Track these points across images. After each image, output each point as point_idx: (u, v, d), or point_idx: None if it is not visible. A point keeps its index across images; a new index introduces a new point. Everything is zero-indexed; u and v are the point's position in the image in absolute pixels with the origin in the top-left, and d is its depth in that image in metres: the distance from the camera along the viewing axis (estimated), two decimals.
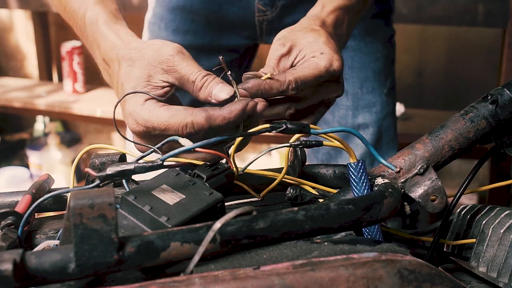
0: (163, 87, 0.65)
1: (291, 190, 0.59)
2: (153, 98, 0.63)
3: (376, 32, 1.18)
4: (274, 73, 0.68)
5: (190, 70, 0.64)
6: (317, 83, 0.69)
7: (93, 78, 2.54)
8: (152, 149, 0.58)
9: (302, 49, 0.71)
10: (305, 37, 0.73)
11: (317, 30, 0.75)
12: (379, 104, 1.18)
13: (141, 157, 0.56)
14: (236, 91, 0.62)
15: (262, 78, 0.66)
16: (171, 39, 1.13)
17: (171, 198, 0.48)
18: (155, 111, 0.63)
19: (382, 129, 1.18)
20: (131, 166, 0.49)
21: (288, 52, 0.72)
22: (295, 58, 0.72)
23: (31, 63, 2.90)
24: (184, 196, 0.49)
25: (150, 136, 0.64)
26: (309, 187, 0.64)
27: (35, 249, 0.50)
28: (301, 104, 0.70)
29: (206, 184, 0.52)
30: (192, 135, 0.61)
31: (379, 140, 1.18)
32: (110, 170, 0.48)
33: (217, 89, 0.63)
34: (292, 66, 0.71)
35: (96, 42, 0.73)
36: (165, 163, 0.50)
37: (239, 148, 0.63)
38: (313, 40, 0.72)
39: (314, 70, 0.68)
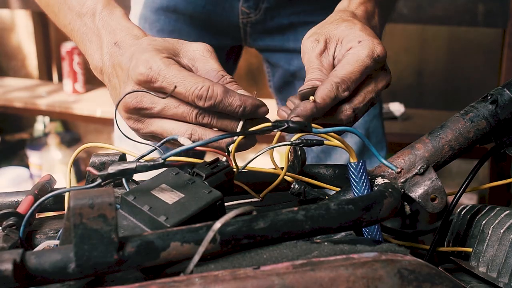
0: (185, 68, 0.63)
1: (296, 186, 0.59)
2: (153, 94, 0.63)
3: None
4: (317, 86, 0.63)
5: (220, 68, 0.64)
6: (365, 76, 0.65)
7: (93, 78, 2.54)
8: (153, 148, 0.58)
9: (339, 40, 0.67)
10: (338, 27, 0.68)
11: (349, 19, 0.70)
12: None
13: (142, 156, 0.56)
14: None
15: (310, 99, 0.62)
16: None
17: (170, 197, 0.49)
18: (176, 66, 0.61)
19: (369, 131, 1.18)
20: (133, 165, 0.49)
21: (326, 48, 0.68)
22: (334, 52, 0.67)
23: (31, 63, 2.90)
24: (183, 195, 0.49)
25: (150, 88, 0.61)
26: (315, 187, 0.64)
27: (35, 249, 0.50)
28: (355, 102, 0.65)
29: (205, 182, 0.52)
30: (199, 101, 0.59)
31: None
32: (111, 169, 0.48)
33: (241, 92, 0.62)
34: (334, 61, 0.67)
35: (110, 30, 0.70)
36: (166, 162, 0.50)
37: (244, 148, 0.62)
38: (348, 29, 0.67)
39: (358, 62, 0.64)
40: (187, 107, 0.61)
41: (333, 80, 0.62)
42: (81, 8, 0.73)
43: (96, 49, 0.71)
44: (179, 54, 0.65)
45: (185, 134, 0.62)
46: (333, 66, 0.67)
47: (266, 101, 0.65)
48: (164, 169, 0.52)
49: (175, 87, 0.60)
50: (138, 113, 0.64)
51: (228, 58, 1.23)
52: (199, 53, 0.65)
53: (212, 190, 0.50)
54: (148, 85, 0.61)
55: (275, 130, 0.54)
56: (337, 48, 0.67)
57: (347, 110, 0.64)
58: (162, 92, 0.61)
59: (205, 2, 1.12)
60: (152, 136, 0.66)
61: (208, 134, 0.62)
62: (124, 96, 0.63)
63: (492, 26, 1.96)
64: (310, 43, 0.67)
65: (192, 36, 1.15)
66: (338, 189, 0.61)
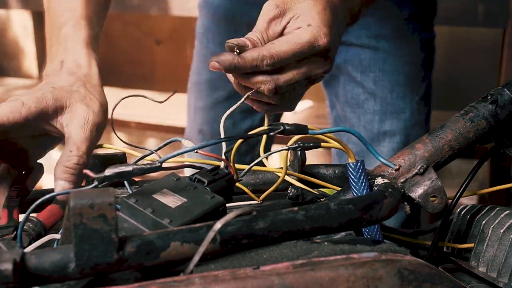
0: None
1: (292, 190, 0.59)
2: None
3: (413, 34, 1.11)
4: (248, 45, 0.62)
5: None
6: (299, 59, 0.63)
7: None
8: (150, 151, 0.58)
9: (295, 15, 0.65)
10: (301, 3, 0.65)
11: None
12: (409, 111, 1.11)
13: (140, 159, 0.56)
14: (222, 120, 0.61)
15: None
16: (218, 50, 1.13)
17: (172, 201, 0.48)
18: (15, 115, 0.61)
19: (410, 138, 1.11)
20: (130, 168, 0.49)
21: (280, 15, 0.65)
22: (287, 23, 0.65)
23: (31, 63, 2.90)
24: (186, 200, 0.49)
25: None
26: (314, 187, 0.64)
27: (38, 241, 0.50)
28: (281, 78, 0.63)
29: (207, 188, 0.52)
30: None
31: None
32: (108, 172, 0.48)
33: (61, 184, 0.59)
34: (282, 32, 0.65)
35: (64, 48, 0.71)
36: (163, 165, 0.50)
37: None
38: (308, 8, 0.65)
39: (295, 45, 0.62)
40: None
41: (262, 52, 0.61)
42: (56, 18, 0.74)
43: (51, 59, 0.71)
44: (62, 112, 0.64)
45: None
46: (278, 36, 0.65)
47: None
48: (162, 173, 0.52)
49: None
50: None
51: None
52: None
53: (214, 195, 0.50)
54: None
55: (271, 133, 0.54)
56: (290, 22, 0.65)
57: (268, 82, 0.62)
58: None
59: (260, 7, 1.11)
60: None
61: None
62: (124, 98, 0.63)
63: (492, 26, 1.96)
64: (269, 6, 0.66)
65: None
66: (338, 189, 0.61)
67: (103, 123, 0.67)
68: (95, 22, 0.75)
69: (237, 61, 0.60)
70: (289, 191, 0.59)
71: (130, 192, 0.57)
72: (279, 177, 0.60)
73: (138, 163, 0.52)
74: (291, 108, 0.67)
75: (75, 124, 0.64)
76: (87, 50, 0.70)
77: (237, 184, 0.62)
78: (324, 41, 0.63)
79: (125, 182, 0.58)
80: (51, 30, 0.75)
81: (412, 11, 1.11)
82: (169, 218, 0.46)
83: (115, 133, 0.63)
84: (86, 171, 0.49)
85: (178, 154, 0.51)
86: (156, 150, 0.57)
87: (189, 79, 1.33)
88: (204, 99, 1.28)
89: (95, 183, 0.48)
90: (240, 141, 0.57)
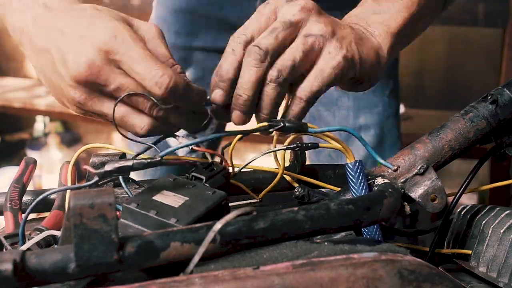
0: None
1: (299, 189, 0.59)
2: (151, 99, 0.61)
3: None
4: None
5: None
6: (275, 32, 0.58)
7: None
8: (149, 146, 0.58)
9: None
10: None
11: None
12: (381, 105, 1.16)
13: (139, 154, 0.56)
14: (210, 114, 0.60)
15: None
16: (173, 41, 1.13)
17: (174, 201, 0.48)
18: (141, 44, 0.56)
19: (384, 131, 1.16)
20: (129, 163, 0.49)
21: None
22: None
23: (31, 63, 2.90)
24: (188, 198, 0.49)
25: (106, 59, 0.55)
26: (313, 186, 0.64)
27: (36, 237, 0.50)
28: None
29: (207, 184, 0.52)
30: (157, 88, 0.54)
31: (381, 142, 1.17)
32: (108, 167, 0.48)
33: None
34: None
35: None
36: (163, 160, 0.50)
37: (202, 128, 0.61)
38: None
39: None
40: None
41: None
42: None
43: (16, 8, 0.63)
44: (136, 31, 0.60)
45: (139, 126, 0.58)
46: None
47: None
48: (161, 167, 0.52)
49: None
50: (89, 86, 0.57)
51: None
52: (150, 35, 0.60)
53: (215, 190, 0.50)
54: (104, 56, 0.55)
55: (271, 130, 0.54)
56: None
57: (251, 48, 0.58)
58: (117, 67, 0.56)
59: (223, 2, 1.11)
60: (97, 115, 0.61)
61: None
62: (125, 96, 0.60)
63: (492, 26, 1.96)
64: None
65: (210, 37, 1.14)
66: (338, 189, 0.61)
67: None
68: None
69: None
70: (296, 190, 0.59)
71: (128, 190, 0.57)
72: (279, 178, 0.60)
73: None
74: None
75: None
76: None
77: (237, 183, 0.62)
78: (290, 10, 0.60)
79: (122, 181, 0.58)
80: None
81: None
82: (175, 217, 0.46)
83: (117, 130, 0.63)
84: (86, 166, 0.49)
85: (177, 149, 0.51)
86: (154, 144, 0.57)
87: None
88: None
89: (96, 178, 0.48)
90: (238, 136, 0.57)
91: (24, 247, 0.49)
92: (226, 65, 0.59)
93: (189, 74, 1.14)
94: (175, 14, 1.15)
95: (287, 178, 0.63)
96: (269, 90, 0.58)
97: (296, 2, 0.61)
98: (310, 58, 0.59)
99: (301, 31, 0.60)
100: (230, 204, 0.60)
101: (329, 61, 0.59)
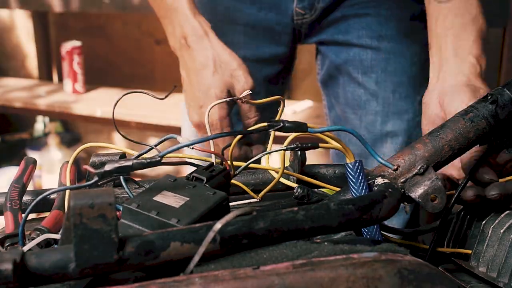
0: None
1: (299, 190, 0.59)
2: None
3: (415, 35, 1.10)
4: None
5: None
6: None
7: (93, 78, 2.54)
8: (150, 147, 0.58)
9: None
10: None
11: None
12: (412, 112, 1.10)
13: (140, 154, 0.56)
14: (207, 112, 0.62)
15: None
16: None
17: (175, 201, 0.48)
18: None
19: (412, 139, 1.10)
20: (129, 163, 0.49)
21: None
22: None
23: (31, 63, 2.90)
24: (188, 198, 0.49)
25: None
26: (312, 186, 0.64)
27: (34, 241, 0.50)
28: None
29: (207, 185, 0.52)
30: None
31: None
32: (108, 167, 0.48)
33: None
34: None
35: (178, 22, 0.85)
36: (163, 160, 0.50)
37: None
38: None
39: None
40: None
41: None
42: None
43: (171, 31, 0.89)
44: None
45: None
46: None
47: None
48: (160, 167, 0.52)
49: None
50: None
51: (281, 62, 1.19)
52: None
53: (216, 191, 0.50)
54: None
55: (271, 130, 0.54)
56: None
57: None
58: None
59: (260, 7, 1.10)
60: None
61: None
62: (127, 94, 0.63)
63: (492, 26, 1.95)
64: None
65: (251, 49, 1.12)
66: (336, 189, 0.61)
67: None
68: None
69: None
70: (295, 190, 0.59)
71: (128, 190, 0.57)
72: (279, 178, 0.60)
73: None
74: None
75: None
76: (195, 14, 0.89)
77: (237, 182, 0.62)
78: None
79: (122, 181, 0.58)
80: (160, 9, 0.92)
81: (415, 11, 1.10)
82: (176, 217, 0.46)
83: (117, 130, 0.63)
84: (86, 166, 0.49)
85: (177, 149, 0.51)
86: (155, 145, 0.57)
87: None
88: None
89: (95, 178, 0.48)
90: (238, 136, 0.57)
91: (25, 249, 0.49)
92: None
93: None
94: (218, 23, 1.16)
95: (285, 181, 0.63)
96: None
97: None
98: None
99: None
100: (231, 204, 0.61)
101: None
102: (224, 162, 0.56)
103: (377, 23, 1.09)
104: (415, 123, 1.10)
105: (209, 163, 0.56)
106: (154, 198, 0.48)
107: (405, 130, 1.10)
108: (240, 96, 0.64)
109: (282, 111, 0.66)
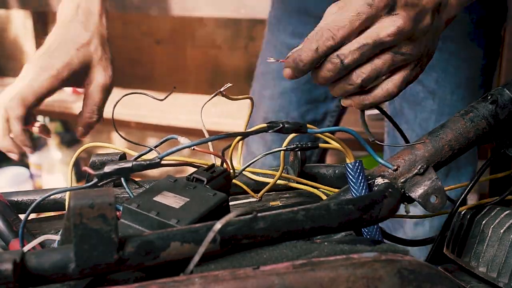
0: None
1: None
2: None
3: (479, 38, 1.10)
4: None
5: None
6: (360, 23, 0.57)
7: None
8: (150, 148, 0.58)
9: None
10: None
11: None
12: None
13: (139, 156, 0.56)
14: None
15: None
16: (288, 41, 1.17)
17: (175, 202, 0.48)
18: None
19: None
20: (129, 164, 0.49)
21: None
22: None
23: None
24: (188, 199, 0.49)
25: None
26: (309, 186, 0.64)
27: (34, 241, 0.50)
28: (342, 49, 0.58)
29: (207, 186, 0.52)
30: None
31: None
32: (108, 168, 0.48)
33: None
34: None
35: None
36: (162, 162, 0.50)
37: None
38: None
39: (349, 10, 0.58)
40: None
41: (315, 31, 0.58)
42: None
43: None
44: (85, 75, 0.78)
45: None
46: None
47: None
48: (161, 168, 0.52)
49: None
50: None
51: None
52: None
53: (216, 192, 0.50)
54: None
55: (270, 131, 0.54)
56: None
57: (333, 57, 0.58)
58: None
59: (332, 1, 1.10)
60: None
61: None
62: (126, 95, 0.64)
63: None
64: (332, 8, 0.62)
65: None
66: (337, 190, 0.61)
67: (112, 84, 0.83)
68: None
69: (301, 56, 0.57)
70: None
71: (128, 190, 0.57)
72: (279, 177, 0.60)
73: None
74: (390, 95, 0.62)
75: (95, 87, 0.79)
76: None
77: (237, 182, 0.62)
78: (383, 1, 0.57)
79: (123, 181, 0.58)
80: None
81: (480, 15, 1.09)
82: (176, 218, 0.46)
83: (117, 131, 0.63)
84: (86, 168, 0.49)
85: (177, 150, 0.51)
86: (155, 147, 0.57)
87: (256, 69, 1.35)
88: (271, 88, 1.28)
89: (95, 180, 0.48)
90: (238, 138, 0.57)
91: (25, 249, 0.49)
92: (305, 57, 0.58)
93: None
94: (290, 15, 1.17)
95: (283, 182, 0.63)
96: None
97: (394, 20, 0.58)
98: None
99: (392, 49, 0.59)
100: (231, 203, 0.61)
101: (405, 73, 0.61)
102: (225, 163, 0.56)
103: None
104: (428, 113, 1.12)
105: (210, 164, 0.56)
106: (154, 199, 0.48)
107: (419, 124, 1.12)
108: (221, 90, 0.63)
109: (251, 111, 0.65)
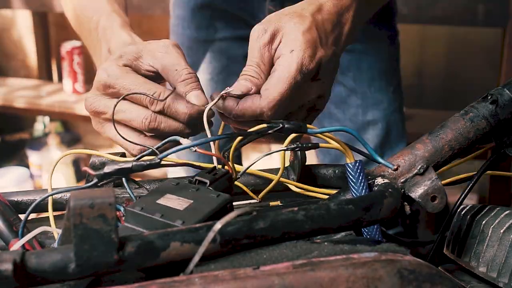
0: (147, 70, 0.67)
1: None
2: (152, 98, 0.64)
3: (380, 35, 1.23)
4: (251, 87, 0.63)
5: (179, 62, 0.66)
6: (294, 90, 0.62)
7: (93, 78, 2.54)
8: (150, 149, 0.58)
9: (283, 37, 0.64)
10: (288, 23, 0.65)
11: (304, 16, 0.66)
12: (386, 101, 1.24)
13: (140, 157, 0.56)
14: (205, 111, 0.61)
15: (229, 91, 0.63)
16: (195, 35, 1.22)
17: (179, 204, 0.48)
18: (132, 74, 0.66)
19: (390, 124, 1.24)
20: (129, 165, 0.49)
21: (271, 41, 0.65)
22: (277, 47, 0.65)
23: (31, 63, 2.90)
24: (192, 201, 0.49)
25: (107, 93, 0.67)
26: (309, 191, 0.64)
27: (30, 233, 0.50)
28: (276, 113, 0.63)
29: (211, 188, 0.52)
30: (150, 106, 0.63)
31: (388, 134, 1.24)
32: (108, 169, 0.48)
33: (194, 94, 0.64)
34: (274, 55, 0.65)
35: (106, 39, 0.76)
36: (162, 162, 0.50)
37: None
38: (294, 28, 0.64)
39: (288, 81, 0.62)
40: (137, 112, 0.65)
41: (261, 106, 0.62)
42: (89, 24, 0.79)
43: (98, 59, 0.77)
44: (141, 57, 0.68)
45: (135, 139, 0.66)
46: (272, 61, 0.65)
47: None
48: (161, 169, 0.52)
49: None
50: (98, 116, 0.70)
51: None
52: (162, 50, 0.67)
53: (220, 194, 0.50)
54: (107, 90, 0.67)
55: (270, 131, 0.54)
56: (281, 44, 0.65)
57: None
58: (118, 97, 0.65)
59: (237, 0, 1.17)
60: (112, 141, 0.69)
61: (155, 143, 0.64)
62: (125, 96, 0.64)
63: (492, 26, 1.96)
64: (258, 32, 0.65)
65: (229, 30, 1.21)
66: (336, 190, 0.61)
67: None
68: (122, 13, 0.82)
69: (236, 112, 0.63)
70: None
71: (130, 191, 0.57)
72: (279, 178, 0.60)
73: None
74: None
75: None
76: (126, 30, 0.77)
77: (237, 183, 0.62)
78: (308, 63, 0.63)
79: (124, 182, 0.58)
80: (89, 37, 0.82)
81: (376, 14, 1.16)
82: (181, 219, 0.46)
83: (117, 131, 0.63)
84: (86, 168, 0.49)
85: (177, 151, 0.51)
86: (156, 148, 0.57)
87: None
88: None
89: (95, 180, 0.48)
90: (239, 138, 0.57)
91: (21, 241, 0.49)
92: (247, 117, 0.64)
93: (214, 64, 1.22)
94: (193, 11, 1.22)
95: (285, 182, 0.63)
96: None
97: (293, 59, 0.62)
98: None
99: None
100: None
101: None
102: (226, 164, 0.56)
103: None
104: (391, 110, 1.25)
105: (212, 166, 0.56)
106: (158, 201, 0.48)
107: (383, 118, 1.23)
108: (222, 93, 0.63)
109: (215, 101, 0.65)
